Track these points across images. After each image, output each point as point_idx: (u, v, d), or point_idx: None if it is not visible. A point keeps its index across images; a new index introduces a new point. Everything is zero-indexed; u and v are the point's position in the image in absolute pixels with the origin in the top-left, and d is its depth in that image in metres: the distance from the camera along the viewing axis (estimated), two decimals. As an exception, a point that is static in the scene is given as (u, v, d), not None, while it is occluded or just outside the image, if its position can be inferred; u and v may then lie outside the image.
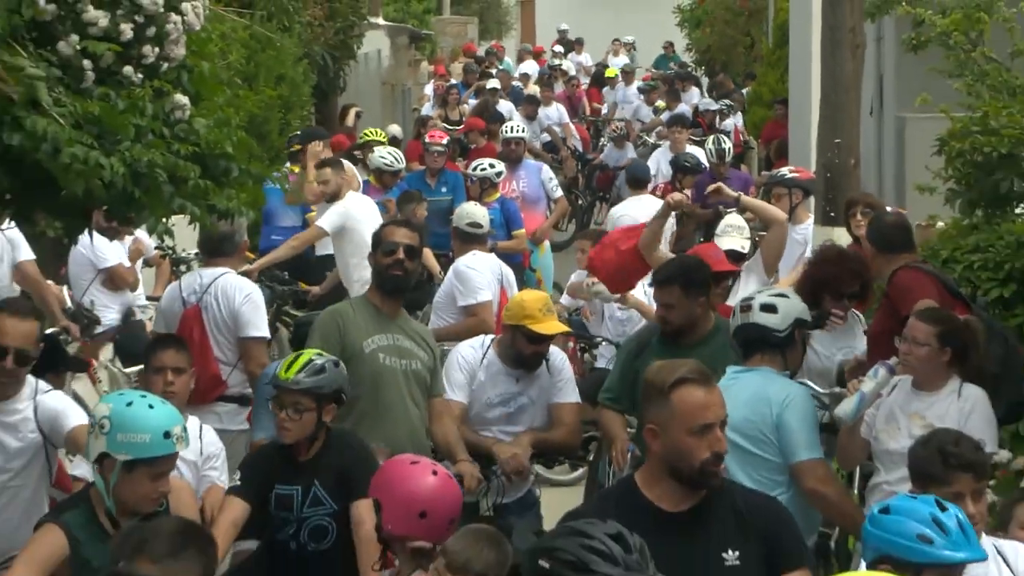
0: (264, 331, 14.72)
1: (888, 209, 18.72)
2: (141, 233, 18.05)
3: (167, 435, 9.42)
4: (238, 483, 11.60)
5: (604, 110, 44.52)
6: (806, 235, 20.22)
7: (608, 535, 7.10)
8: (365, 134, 28.62)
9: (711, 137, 29.63)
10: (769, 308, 12.20)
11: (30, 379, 11.79)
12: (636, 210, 23.68)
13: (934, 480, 9.49)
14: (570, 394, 13.58)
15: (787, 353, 12.21)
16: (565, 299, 20.42)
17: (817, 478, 11.35)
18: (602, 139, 39.20)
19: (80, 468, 11.04)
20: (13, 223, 14.56)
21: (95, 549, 9.26)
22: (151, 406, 9.72)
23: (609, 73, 46.60)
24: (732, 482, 9.27)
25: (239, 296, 14.75)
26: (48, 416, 11.49)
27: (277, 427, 11.46)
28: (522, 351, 13.35)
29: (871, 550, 8.06)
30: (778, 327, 12.17)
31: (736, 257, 16.96)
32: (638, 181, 26.40)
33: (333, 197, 21.32)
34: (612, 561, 6.98)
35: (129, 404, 9.71)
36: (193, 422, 11.70)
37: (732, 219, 19.45)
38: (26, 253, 16.20)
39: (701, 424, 8.46)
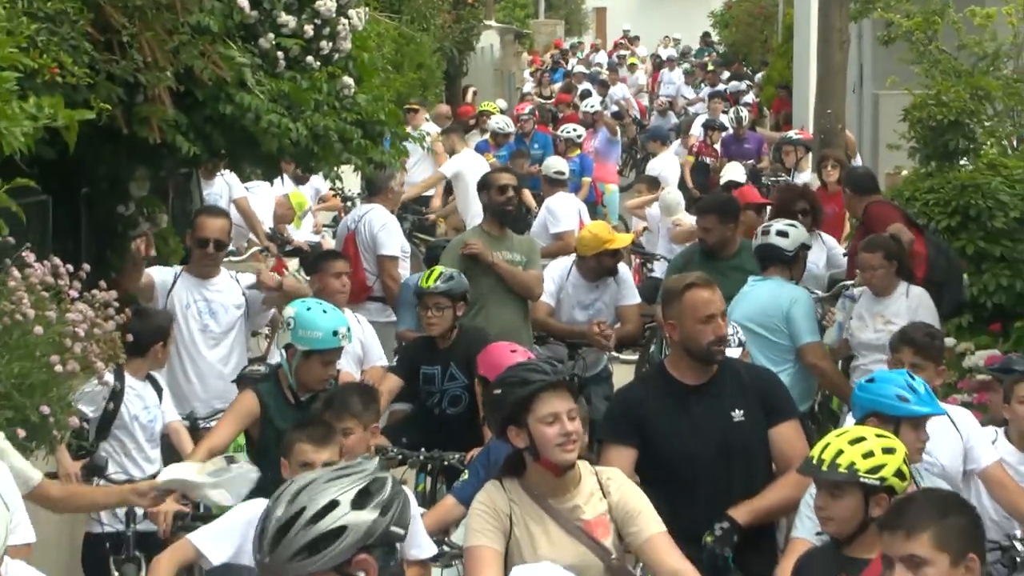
0: (394, 252, 14.49)
1: (857, 163, 18.81)
2: (317, 178, 17.92)
3: (335, 333, 9.32)
4: (395, 364, 11.57)
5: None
6: (806, 179, 20.01)
7: (543, 360, 7.34)
8: (482, 107, 28.57)
9: (734, 108, 29.57)
10: (782, 234, 12.22)
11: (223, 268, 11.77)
12: (659, 163, 24.65)
13: (892, 349, 9.67)
14: (633, 298, 13.51)
15: (793, 267, 12.18)
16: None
17: (817, 356, 11.44)
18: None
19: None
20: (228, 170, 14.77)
21: (279, 413, 9.14)
22: (324, 311, 9.64)
23: (631, 60, 46.15)
24: (737, 360, 9.12)
25: (379, 225, 14.70)
26: (247, 289, 11.50)
27: (424, 324, 11.28)
28: (605, 265, 13.26)
29: (859, 409, 7.93)
30: (788, 248, 12.11)
31: None
32: (657, 140, 26.43)
33: (452, 152, 21.29)
34: (542, 372, 6.96)
35: (308, 309, 9.63)
36: (350, 315, 11.44)
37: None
38: (239, 192, 16.09)
39: (706, 315, 8.29)
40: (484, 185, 13.52)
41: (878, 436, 6.81)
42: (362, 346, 11.69)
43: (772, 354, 11.14)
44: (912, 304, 11.98)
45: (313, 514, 4.19)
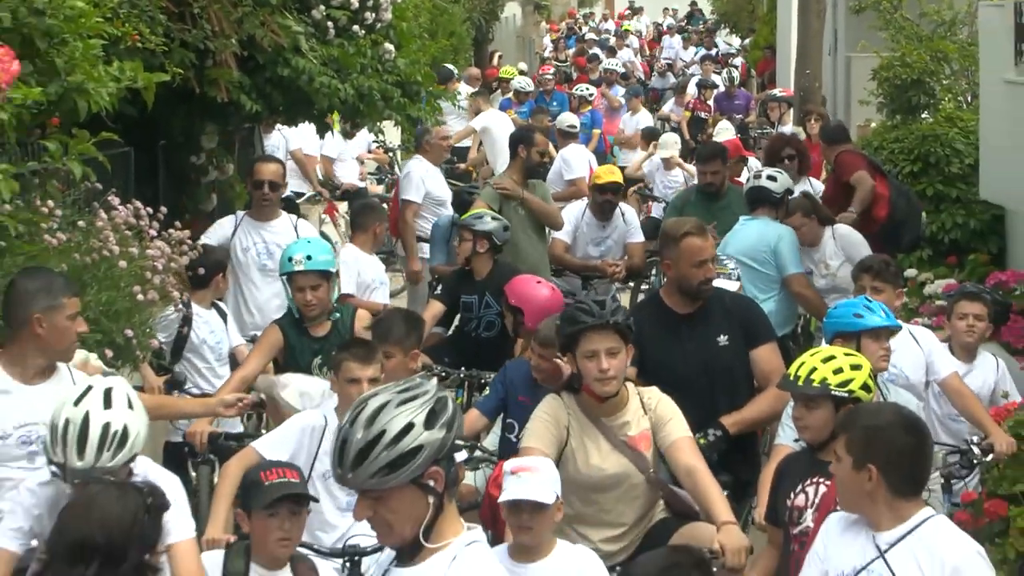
0: (407, 196, 13.83)
1: (831, 117, 18.80)
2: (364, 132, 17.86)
3: (289, 259, 9.19)
4: (438, 292, 11.36)
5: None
6: (789, 131, 19.93)
7: (594, 301, 7.17)
8: (506, 70, 28.49)
9: (725, 69, 29.50)
10: (771, 178, 12.10)
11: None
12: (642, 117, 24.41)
13: (854, 279, 9.58)
14: (638, 236, 13.48)
15: (779, 208, 12.05)
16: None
17: (800, 285, 11.25)
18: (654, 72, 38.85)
19: None
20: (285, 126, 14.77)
21: (295, 338, 9.03)
22: (295, 242, 9.73)
23: (626, 28, 46.09)
24: (723, 291, 9.01)
25: (404, 173, 14.58)
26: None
27: (476, 256, 10.92)
28: (612, 201, 13.24)
29: (828, 333, 7.97)
30: (776, 191, 11.96)
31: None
32: (637, 97, 25.95)
33: (478, 111, 21.26)
34: (588, 313, 6.97)
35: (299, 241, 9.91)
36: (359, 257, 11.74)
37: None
38: (295, 143, 15.98)
39: (699, 260, 8.31)
40: (528, 143, 13.19)
41: (847, 355, 6.80)
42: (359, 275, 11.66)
43: (760, 283, 10.99)
44: (840, 242, 11.94)
45: (392, 437, 4.17)
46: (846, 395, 6.48)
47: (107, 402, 5.60)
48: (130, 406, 5.64)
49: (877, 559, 5.29)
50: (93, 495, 4.72)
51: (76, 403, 5.60)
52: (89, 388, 5.68)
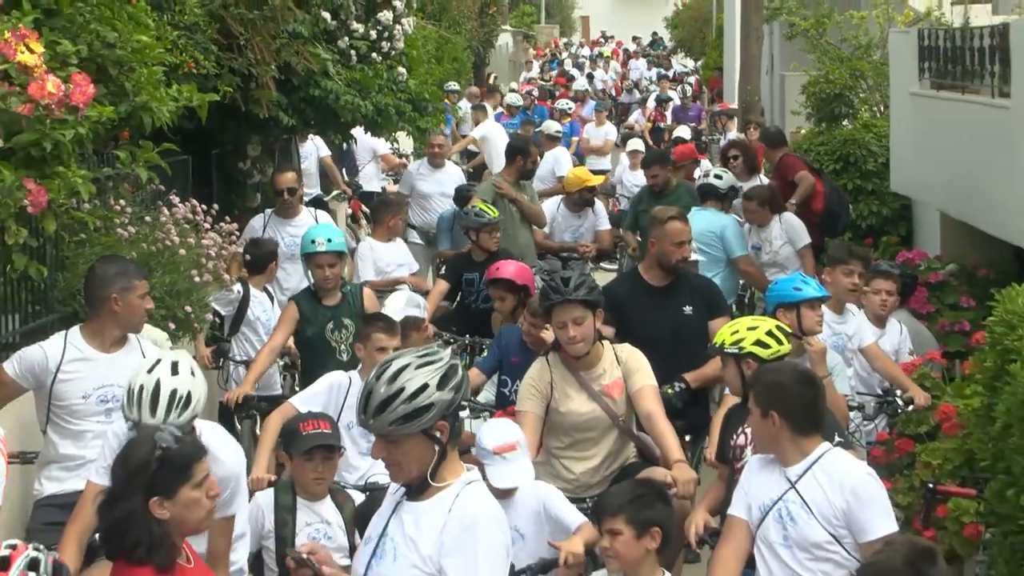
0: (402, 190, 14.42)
1: (768, 125, 18.82)
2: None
3: (312, 241, 9.09)
4: (444, 272, 11.29)
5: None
6: (732, 137, 19.99)
7: (561, 279, 7.15)
8: (503, 93, 28.52)
9: (679, 85, 29.51)
10: (717, 176, 12.10)
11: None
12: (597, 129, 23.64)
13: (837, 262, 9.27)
14: (606, 224, 13.38)
15: (724, 202, 12.04)
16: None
17: (746, 264, 11.24)
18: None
19: None
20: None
21: (311, 309, 8.93)
22: (316, 225, 9.66)
23: (605, 52, 46.01)
24: (691, 272, 9.10)
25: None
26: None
27: (477, 243, 10.82)
28: (585, 198, 13.12)
29: (770, 304, 7.91)
30: (721, 187, 11.98)
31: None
32: (601, 112, 25.18)
33: (477, 122, 21.24)
34: (557, 291, 6.97)
35: (316, 227, 9.85)
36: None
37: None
38: (325, 151, 15.70)
39: (679, 241, 8.47)
40: (525, 154, 13.05)
41: (751, 321, 6.86)
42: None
43: (708, 262, 10.78)
44: (784, 227, 11.82)
45: (410, 394, 4.19)
46: (738, 351, 6.47)
47: (174, 371, 5.63)
48: (192, 375, 5.67)
49: (790, 490, 5.29)
50: (130, 440, 4.77)
51: (149, 371, 5.62)
52: (159, 360, 5.71)
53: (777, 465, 5.40)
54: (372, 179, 17.46)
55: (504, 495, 5.97)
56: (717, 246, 11.18)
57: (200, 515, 4.54)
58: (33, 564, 3.72)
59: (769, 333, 6.54)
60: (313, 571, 4.27)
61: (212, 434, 5.87)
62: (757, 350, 6.46)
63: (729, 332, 6.64)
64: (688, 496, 6.48)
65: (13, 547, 3.81)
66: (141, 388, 5.59)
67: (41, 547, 3.88)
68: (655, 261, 8.62)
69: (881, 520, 5.17)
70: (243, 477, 5.98)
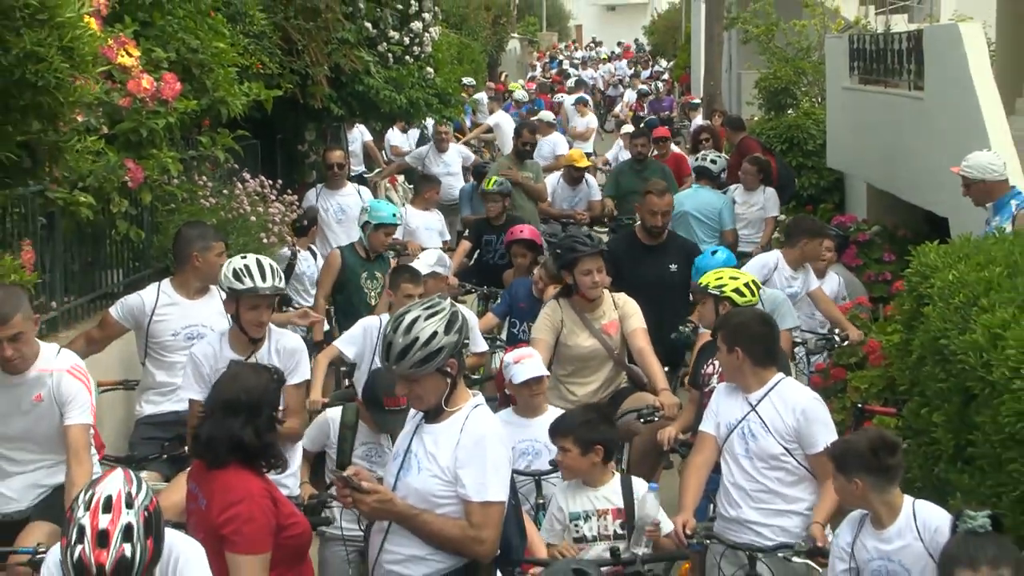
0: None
1: (730, 113, 18.61)
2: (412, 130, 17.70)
3: (393, 215, 8.83)
4: (467, 233, 10.97)
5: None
6: (698, 123, 19.71)
7: (587, 236, 7.24)
8: (510, 87, 28.24)
9: (654, 83, 29.34)
10: (713, 161, 11.59)
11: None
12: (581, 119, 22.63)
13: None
14: (598, 195, 13.22)
15: (716, 181, 11.53)
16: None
17: (730, 235, 10.50)
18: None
19: None
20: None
21: (353, 262, 8.69)
22: (388, 204, 9.37)
23: (603, 56, 45.65)
24: (680, 236, 9.07)
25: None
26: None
27: (492, 210, 10.54)
28: (576, 175, 13.05)
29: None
30: (715, 170, 11.56)
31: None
32: (584, 105, 23.88)
33: (492, 112, 21.06)
34: (584, 245, 6.98)
35: (378, 201, 9.63)
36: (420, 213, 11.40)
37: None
38: (368, 136, 15.51)
39: (654, 211, 8.36)
40: (519, 134, 13.04)
41: (733, 271, 6.72)
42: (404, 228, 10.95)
43: (706, 231, 10.48)
44: (767, 195, 11.49)
45: (423, 341, 4.14)
46: (719, 293, 6.39)
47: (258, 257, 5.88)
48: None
49: (751, 412, 5.25)
50: (238, 371, 4.72)
51: (243, 257, 5.81)
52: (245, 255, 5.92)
53: (740, 391, 5.36)
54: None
55: (533, 414, 5.97)
56: (715, 219, 10.70)
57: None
58: (127, 533, 3.51)
59: (747, 285, 6.45)
60: (354, 488, 4.24)
61: (283, 332, 6.02)
62: (735, 296, 6.36)
63: (714, 277, 6.53)
64: (673, 417, 6.45)
65: (109, 504, 3.55)
66: (247, 263, 5.72)
67: (133, 484, 3.63)
68: (644, 228, 8.52)
69: (825, 435, 5.13)
70: (305, 354, 6.01)
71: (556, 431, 5.42)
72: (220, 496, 4.27)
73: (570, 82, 30.23)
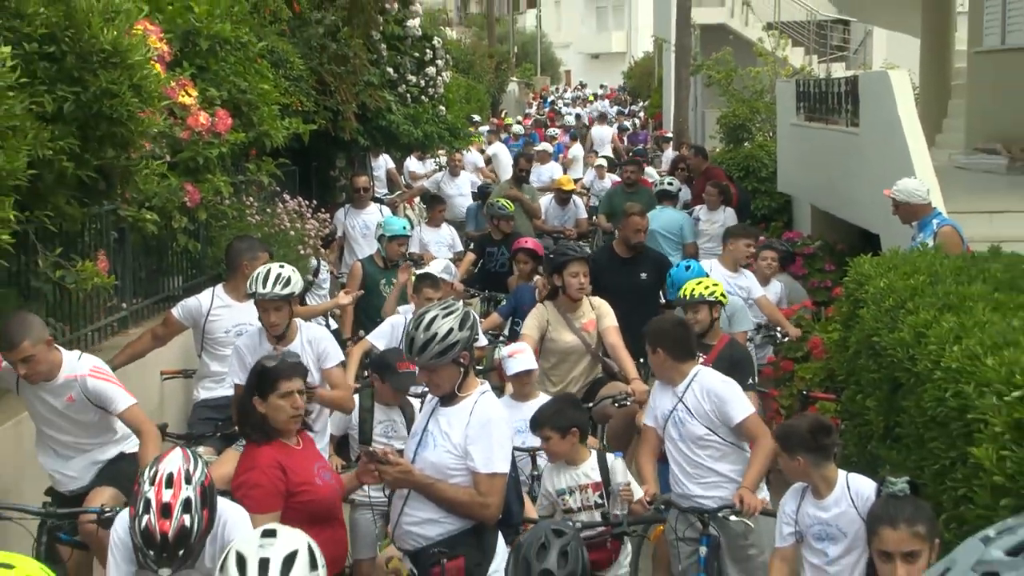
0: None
1: (695, 145, 18.55)
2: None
3: (404, 228, 8.86)
4: (472, 247, 10.87)
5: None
6: (669, 155, 19.68)
7: (576, 245, 7.18)
8: (507, 121, 28.21)
9: (631, 120, 29.23)
10: (670, 184, 11.71)
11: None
12: (576, 149, 22.22)
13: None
14: (583, 214, 13.04)
15: (676, 200, 11.65)
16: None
17: (692, 248, 10.57)
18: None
19: None
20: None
21: (372, 271, 8.72)
22: (399, 220, 9.33)
23: (590, 97, 45.40)
24: (652, 249, 8.88)
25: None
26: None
27: (503, 227, 10.42)
28: (563, 197, 13.08)
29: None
30: (673, 191, 11.64)
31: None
32: (574, 139, 23.99)
33: (491, 143, 20.89)
34: (572, 251, 6.99)
35: (391, 218, 9.60)
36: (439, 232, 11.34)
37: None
38: (390, 164, 15.37)
39: (636, 229, 8.35)
40: (516, 163, 12.96)
41: (712, 280, 6.68)
42: (419, 242, 11.07)
43: (671, 246, 10.43)
44: (727, 214, 11.54)
45: (441, 337, 4.12)
46: (714, 299, 6.39)
47: (280, 266, 5.75)
48: (291, 272, 5.74)
49: (678, 403, 5.25)
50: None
51: (281, 265, 5.78)
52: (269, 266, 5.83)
53: (671, 386, 5.34)
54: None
55: (525, 398, 5.95)
56: (678, 234, 10.76)
57: (283, 417, 4.33)
58: (187, 506, 3.51)
59: (724, 292, 6.52)
60: (380, 462, 4.23)
61: (310, 325, 6.03)
62: (723, 299, 6.43)
63: (703, 287, 6.47)
64: (643, 402, 6.44)
65: (170, 479, 3.55)
66: (258, 273, 5.67)
67: (191, 462, 3.61)
68: (623, 240, 8.50)
69: (739, 409, 5.14)
70: (331, 339, 5.96)
71: (536, 424, 5.39)
72: (238, 468, 4.35)
73: (565, 120, 29.99)
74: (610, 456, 5.45)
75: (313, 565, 2.89)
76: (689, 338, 5.44)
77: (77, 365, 5.07)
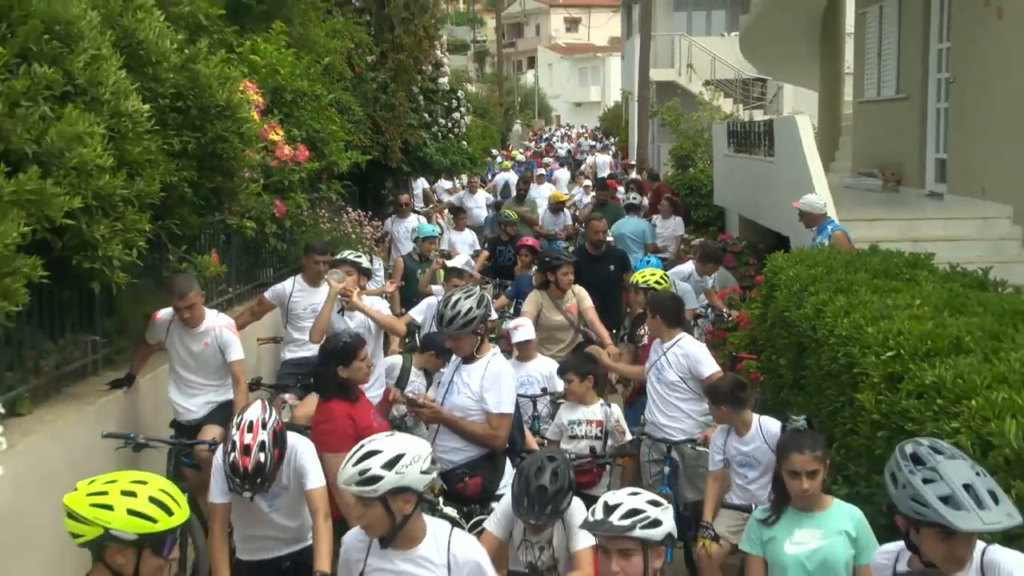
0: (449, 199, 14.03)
1: (652, 170, 18.36)
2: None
3: (432, 231, 8.63)
4: (486, 245, 10.36)
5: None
6: (633, 176, 19.41)
7: (565, 252, 6.89)
8: (514, 152, 27.97)
9: (607, 150, 28.83)
10: (635, 198, 11.21)
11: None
12: (561, 173, 21.73)
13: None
14: (570, 222, 12.36)
15: (639, 211, 11.01)
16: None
17: (652, 247, 10.05)
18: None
19: None
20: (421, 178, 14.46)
21: (410, 265, 8.29)
22: (427, 224, 9.01)
23: (572, 135, 44.65)
24: (617, 248, 8.58)
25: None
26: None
27: (508, 231, 9.83)
28: (557, 208, 12.86)
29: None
30: (637, 204, 11.12)
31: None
32: (560, 164, 23.39)
33: (503, 170, 20.72)
34: (565, 256, 6.73)
35: (422, 223, 9.36)
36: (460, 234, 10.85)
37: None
38: (426, 184, 15.02)
39: (597, 231, 7.98)
40: (518, 185, 12.79)
41: (652, 271, 6.56)
42: (448, 242, 10.77)
43: (637, 245, 10.06)
44: (676, 221, 11.20)
45: (463, 313, 4.08)
46: (646, 286, 6.31)
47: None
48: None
49: (662, 356, 5.25)
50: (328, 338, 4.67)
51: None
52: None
53: (659, 343, 5.37)
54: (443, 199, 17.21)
55: (526, 360, 5.88)
56: (642, 237, 10.40)
57: (361, 376, 4.32)
58: (262, 446, 3.50)
59: (660, 279, 6.47)
60: (418, 405, 4.21)
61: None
62: (656, 286, 6.36)
63: (641, 276, 6.47)
64: (613, 356, 6.40)
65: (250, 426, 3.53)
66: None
67: (266, 411, 3.59)
68: (590, 241, 8.17)
69: (706, 367, 5.15)
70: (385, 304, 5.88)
71: (563, 369, 5.34)
72: (317, 417, 4.32)
73: (560, 149, 29.67)
74: (609, 406, 5.45)
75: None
76: (679, 310, 5.35)
77: (216, 319, 5.12)
